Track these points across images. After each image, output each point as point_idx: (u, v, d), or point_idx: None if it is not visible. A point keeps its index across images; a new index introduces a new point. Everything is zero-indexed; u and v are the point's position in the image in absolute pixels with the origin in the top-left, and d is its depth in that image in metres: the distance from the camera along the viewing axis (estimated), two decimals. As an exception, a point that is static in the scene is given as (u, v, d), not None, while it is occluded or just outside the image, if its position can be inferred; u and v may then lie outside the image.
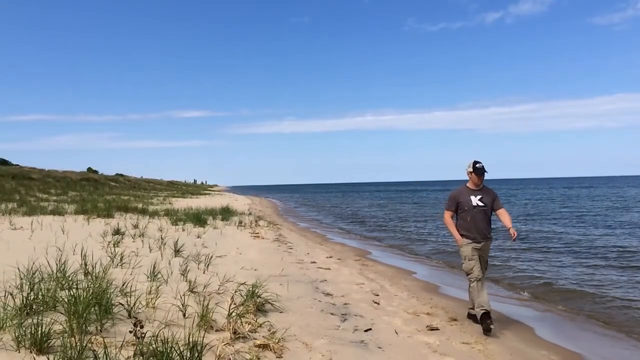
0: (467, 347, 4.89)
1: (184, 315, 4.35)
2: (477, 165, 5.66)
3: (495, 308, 7.10)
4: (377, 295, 7.04)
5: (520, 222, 19.73)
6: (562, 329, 6.11)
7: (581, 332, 6.08)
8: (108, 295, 4.12)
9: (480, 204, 5.67)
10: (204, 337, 3.46)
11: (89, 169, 63.12)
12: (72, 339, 3.25)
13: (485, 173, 5.70)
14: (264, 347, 3.90)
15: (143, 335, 3.12)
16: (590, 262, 10.71)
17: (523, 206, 32.80)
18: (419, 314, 6.12)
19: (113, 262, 6.79)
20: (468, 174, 5.77)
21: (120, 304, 4.18)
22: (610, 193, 49.72)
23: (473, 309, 5.75)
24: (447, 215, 5.89)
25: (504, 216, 5.83)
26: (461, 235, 5.71)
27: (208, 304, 4.31)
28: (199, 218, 14.78)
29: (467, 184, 5.82)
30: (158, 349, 3.12)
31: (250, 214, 21.10)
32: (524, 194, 56.34)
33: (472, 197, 5.69)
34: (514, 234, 5.68)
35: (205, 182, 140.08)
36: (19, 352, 3.18)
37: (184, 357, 3.15)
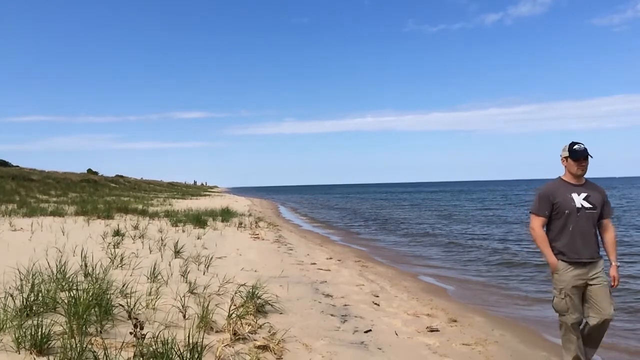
0: (467, 348, 4.89)
1: (184, 316, 4.35)
2: (576, 146, 3.95)
3: (496, 308, 7.11)
4: (377, 296, 7.04)
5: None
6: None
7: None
8: (108, 297, 4.13)
9: (587, 205, 3.94)
10: (203, 338, 3.46)
11: (89, 170, 63.06)
12: (72, 340, 3.25)
13: (590, 157, 3.98)
14: (264, 348, 3.90)
15: (143, 336, 3.12)
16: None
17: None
18: (419, 315, 6.12)
19: (113, 263, 6.79)
20: (563, 161, 4.07)
21: (120, 305, 4.18)
22: (616, 195, 49.68)
23: None
24: (538, 223, 4.05)
25: (608, 233, 4.06)
26: (555, 254, 4.00)
27: (208, 305, 4.31)
28: (199, 219, 14.79)
29: (563, 177, 4.10)
30: (158, 350, 3.12)
31: (250, 215, 21.10)
32: (528, 194, 56.34)
33: (574, 196, 3.95)
34: (614, 279, 3.95)
35: (205, 183, 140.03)
36: (19, 353, 3.18)
37: (184, 358, 3.15)
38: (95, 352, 3.04)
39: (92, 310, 3.78)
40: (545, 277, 9.34)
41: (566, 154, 4.01)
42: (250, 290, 5.23)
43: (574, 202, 3.93)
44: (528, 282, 9.00)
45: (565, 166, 4.05)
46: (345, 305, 6.16)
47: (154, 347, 3.16)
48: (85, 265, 5.82)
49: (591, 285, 3.92)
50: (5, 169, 39.76)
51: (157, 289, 4.97)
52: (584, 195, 3.97)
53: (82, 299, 3.79)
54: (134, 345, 3.23)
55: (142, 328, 3.13)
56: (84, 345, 3.08)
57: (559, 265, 3.97)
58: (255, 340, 4.01)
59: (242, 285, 5.61)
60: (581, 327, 4.04)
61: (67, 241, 9.14)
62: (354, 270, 9.40)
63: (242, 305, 4.78)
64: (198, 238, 11.28)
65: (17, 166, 46.74)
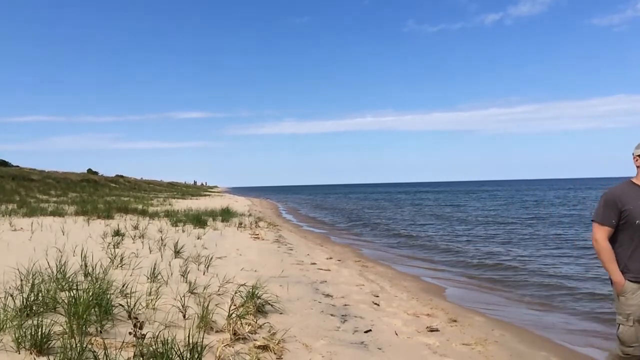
0: (467, 348, 4.89)
1: (184, 316, 4.36)
2: None
3: (496, 309, 7.11)
4: (377, 296, 7.04)
5: (531, 223, 19.84)
6: (563, 331, 6.10)
7: (585, 334, 6.07)
8: (108, 297, 4.13)
9: None
10: (203, 338, 3.46)
11: (89, 170, 63.08)
12: (72, 340, 3.25)
13: None
14: (264, 348, 3.90)
15: (143, 336, 3.12)
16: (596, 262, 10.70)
17: (532, 208, 32.82)
18: (419, 315, 6.12)
19: (113, 263, 6.80)
20: (636, 160, 3.44)
21: (120, 305, 4.18)
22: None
23: None
24: (603, 234, 3.42)
25: None
26: (622, 271, 3.38)
27: (208, 305, 4.31)
28: (199, 219, 14.79)
29: (634, 179, 3.47)
30: (158, 350, 3.12)
31: (250, 215, 21.11)
32: (527, 195, 56.35)
33: None
34: None
35: (205, 183, 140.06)
36: (19, 353, 3.18)
37: (184, 358, 3.15)
38: (95, 352, 3.04)
39: (92, 310, 3.78)
40: (542, 279, 9.35)
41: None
42: (250, 290, 5.23)
43: None
44: (528, 284, 9.00)
45: (638, 166, 3.42)
46: (345, 305, 6.16)
47: (154, 347, 3.16)
48: (85, 265, 5.82)
49: None
50: (5, 169, 39.76)
51: (157, 289, 4.97)
52: None
53: (82, 299, 3.79)
54: (134, 345, 3.24)
55: (142, 328, 3.14)
56: (84, 345, 3.08)
57: (626, 286, 3.33)
58: (255, 340, 4.01)
59: (242, 285, 5.61)
60: None
61: (67, 241, 9.14)
62: (354, 270, 9.40)
63: (242, 305, 4.78)
64: (198, 238, 11.29)
65: (17, 166, 46.73)
